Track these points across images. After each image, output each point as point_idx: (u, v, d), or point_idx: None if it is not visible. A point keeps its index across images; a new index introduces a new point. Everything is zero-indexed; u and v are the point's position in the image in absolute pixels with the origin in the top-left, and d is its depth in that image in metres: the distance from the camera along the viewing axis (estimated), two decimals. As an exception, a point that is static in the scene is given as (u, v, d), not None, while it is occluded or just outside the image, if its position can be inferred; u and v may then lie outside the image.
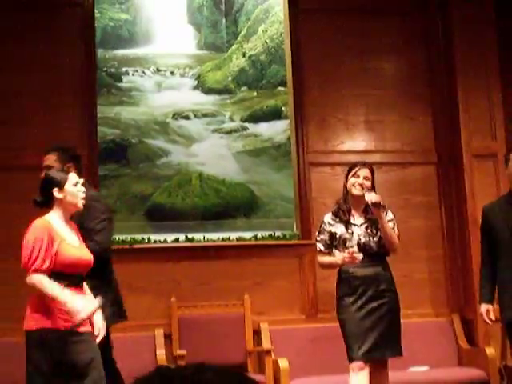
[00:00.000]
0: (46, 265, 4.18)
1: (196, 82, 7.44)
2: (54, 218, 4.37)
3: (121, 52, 7.35)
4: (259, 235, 7.13)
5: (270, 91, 7.57)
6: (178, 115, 7.32)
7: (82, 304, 4.21)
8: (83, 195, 4.46)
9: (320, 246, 5.48)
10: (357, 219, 5.43)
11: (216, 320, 6.78)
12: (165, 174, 7.19)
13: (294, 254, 7.20)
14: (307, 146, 7.37)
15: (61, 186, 4.39)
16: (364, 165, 5.53)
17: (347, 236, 5.38)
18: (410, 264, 7.13)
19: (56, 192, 4.38)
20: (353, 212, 5.46)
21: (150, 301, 6.81)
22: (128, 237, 6.93)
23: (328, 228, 5.46)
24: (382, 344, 5.26)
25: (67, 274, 4.27)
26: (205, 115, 7.38)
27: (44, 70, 7.00)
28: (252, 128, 7.44)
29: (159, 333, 6.65)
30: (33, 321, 4.23)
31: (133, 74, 7.33)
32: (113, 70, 7.29)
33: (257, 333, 6.85)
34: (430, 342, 7.08)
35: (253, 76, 7.56)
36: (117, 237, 6.89)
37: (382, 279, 5.34)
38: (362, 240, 5.35)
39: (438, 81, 7.66)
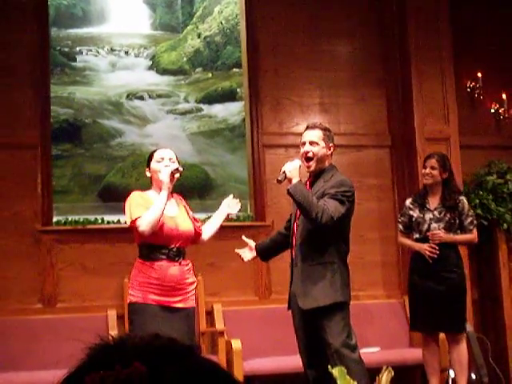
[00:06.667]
0: None
1: (151, 62, 7.40)
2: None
3: (74, 31, 7.27)
4: (213, 216, 7.11)
5: (225, 72, 7.55)
6: (132, 95, 7.27)
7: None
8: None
9: (400, 227, 6.27)
10: (431, 204, 6.05)
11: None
12: (119, 154, 7.15)
13: (248, 235, 7.17)
14: (261, 128, 7.38)
15: None
16: (430, 156, 6.20)
17: (420, 220, 6.05)
18: (362, 246, 7.17)
19: None
20: (428, 198, 6.10)
21: (102, 281, 6.78)
22: (81, 217, 6.89)
23: (408, 212, 6.15)
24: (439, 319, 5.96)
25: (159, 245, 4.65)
26: (159, 96, 7.35)
27: (-4, 49, 6.92)
28: (207, 109, 7.42)
29: (112, 314, 6.63)
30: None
31: (87, 54, 7.26)
32: (66, 49, 7.21)
33: (210, 314, 6.87)
34: (381, 323, 7.15)
35: (208, 57, 7.54)
36: (69, 217, 6.86)
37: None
38: (433, 224, 5.96)
39: (391, 64, 7.70)
